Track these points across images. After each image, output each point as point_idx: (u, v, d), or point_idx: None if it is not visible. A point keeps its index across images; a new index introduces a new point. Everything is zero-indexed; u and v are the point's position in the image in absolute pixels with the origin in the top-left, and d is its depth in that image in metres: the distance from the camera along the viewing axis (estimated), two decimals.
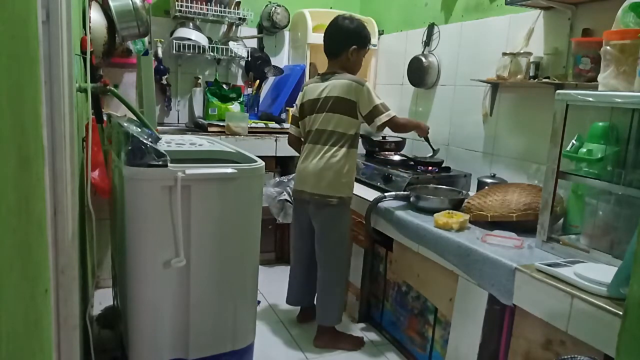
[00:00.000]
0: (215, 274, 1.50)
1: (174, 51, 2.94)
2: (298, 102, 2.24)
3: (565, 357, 1.20)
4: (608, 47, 1.53)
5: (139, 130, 1.46)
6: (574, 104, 1.53)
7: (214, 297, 1.51)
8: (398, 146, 2.85)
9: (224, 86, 3.17)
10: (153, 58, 2.87)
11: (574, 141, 1.67)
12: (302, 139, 2.22)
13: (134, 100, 2.22)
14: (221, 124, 2.90)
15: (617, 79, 1.51)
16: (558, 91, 1.57)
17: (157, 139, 1.54)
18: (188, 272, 1.46)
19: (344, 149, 2.07)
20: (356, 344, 2.17)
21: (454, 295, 1.74)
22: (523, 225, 1.77)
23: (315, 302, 2.22)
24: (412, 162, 2.57)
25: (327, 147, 2.08)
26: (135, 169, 1.33)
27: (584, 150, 1.61)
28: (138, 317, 1.43)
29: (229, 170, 1.49)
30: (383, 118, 2.06)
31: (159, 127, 2.81)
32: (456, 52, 2.66)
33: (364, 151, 2.83)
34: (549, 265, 1.42)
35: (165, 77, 3.04)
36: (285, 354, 2.09)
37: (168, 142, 1.77)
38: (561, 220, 1.74)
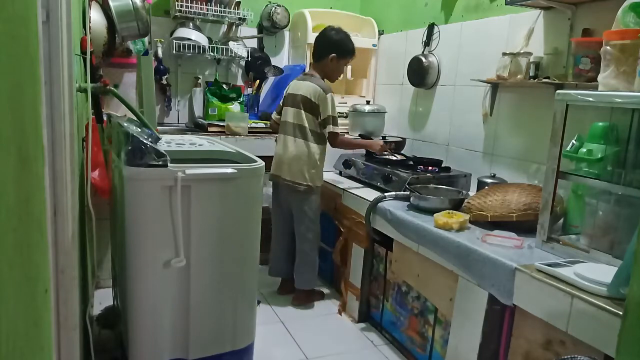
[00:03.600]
0: (215, 273, 1.50)
1: (174, 51, 2.94)
2: (285, 93, 2.56)
3: (565, 357, 1.20)
4: (608, 47, 1.53)
5: (139, 130, 1.46)
6: (574, 104, 1.53)
7: (214, 297, 1.51)
8: (398, 146, 2.85)
9: (224, 86, 3.17)
10: (153, 58, 2.87)
11: (574, 141, 1.67)
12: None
13: (134, 100, 2.22)
14: (221, 124, 2.90)
15: (617, 79, 1.51)
16: (558, 91, 1.57)
17: (157, 139, 1.54)
18: (188, 272, 1.46)
19: (312, 144, 2.41)
20: (321, 295, 2.61)
21: (454, 295, 1.74)
22: (523, 225, 1.77)
23: (294, 272, 2.55)
24: (411, 162, 2.57)
25: (297, 139, 2.42)
26: (135, 169, 1.33)
27: (584, 150, 1.61)
28: (138, 317, 1.42)
29: (229, 170, 1.49)
30: (330, 128, 2.41)
31: (159, 127, 2.81)
32: (456, 52, 2.66)
33: (363, 151, 2.83)
34: (549, 265, 1.41)
35: (165, 77, 3.04)
36: (286, 354, 2.09)
37: (168, 142, 1.77)
38: (561, 220, 1.74)
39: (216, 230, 1.48)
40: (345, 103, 3.27)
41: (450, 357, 1.75)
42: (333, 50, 2.45)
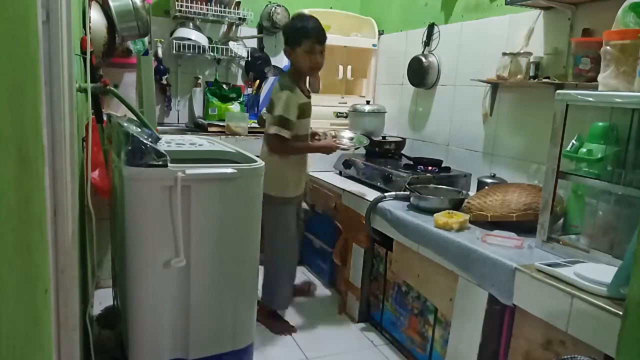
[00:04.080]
0: (215, 274, 1.50)
1: (174, 51, 2.94)
2: None
3: (565, 357, 1.20)
4: (608, 47, 1.53)
5: (139, 130, 1.46)
6: (574, 104, 1.53)
7: (214, 297, 1.51)
8: (398, 146, 2.85)
9: (224, 86, 3.17)
10: (153, 58, 2.87)
11: (574, 141, 1.67)
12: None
13: (133, 101, 2.22)
14: (221, 124, 2.90)
15: (617, 79, 1.51)
16: (558, 91, 1.57)
17: (157, 139, 1.54)
18: (188, 272, 1.46)
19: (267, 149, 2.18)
20: (288, 329, 2.28)
21: (454, 295, 1.74)
22: (523, 226, 1.77)
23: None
24: (412, 162, 2.57)
25: (263, 144, 2.26)
26: (135, 169, 1.33)
27: (584, 150, 1.61)
28: (138, 317, 1.43)
29: (229, 170, 1.49)
30: (272, 129, 2.09)
31: (159, 127, 2.81)
32: (456, 52, 2.66)
33: (364, 151, 2.83)
34: (549, 265, 1.41)
35: (165, 77, 3.04)
36: (286, 354, 2.09)
37: (168, 142, 1.77)
38: (561, 220, 1.74)
39: (216, 230, 1.48)
40: (345, 103, 3.27)
41: (450, 357, 1.75)
42: (286, 42, 2.17)
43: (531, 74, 2.16)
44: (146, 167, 1.33)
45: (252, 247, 1.58)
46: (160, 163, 1.33)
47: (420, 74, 2.83)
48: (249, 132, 2.88)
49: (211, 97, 3.12)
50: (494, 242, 1.70)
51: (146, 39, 2.71)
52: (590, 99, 1.46)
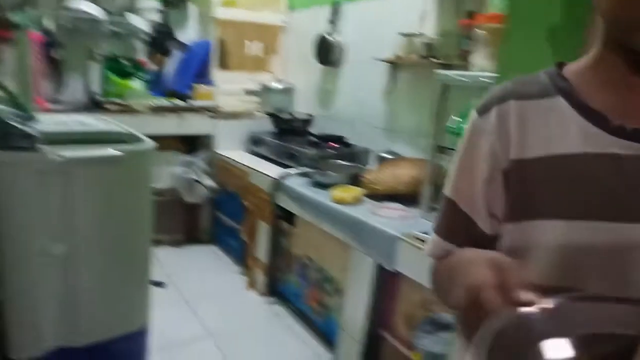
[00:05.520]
0: (103, 259, 1.46)
1: (67, 24, 2.72)
2: None
3: (434, 314, 1.33)
4: (479, 30, 1.65)
5: (8, 110, 1.36)
6: (451, 84, 1.64)
7: (103, 283, 1.47)
8: (305, 123, 2.90)
9: (124, 61, 3.01)
10: (38, 30, 2.64)
11: (456, 118, 1.80)
12: None
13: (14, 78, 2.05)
14: (121, 102, 2.76)
15: (487, 60, 1.64)
16: (437, 71, 1.68)
17: (29, 119, 1.44)
18: (72, 258, 1.40)
19: None
20: None
21: (348, 265, 1.84)
22: (413, 198, 1.89)
23: None
24: (316, 139, 2.63)
25: None
26: (2, 152, 1.24)
27: (462, 126, 1.74)
28: (16, 307, 1.36)
29: (114, 151, 1.43)
30: None
31: (50, 106, 2.63)
32: (360, 31, 2.72)
33: (271, 128, 2.84)
34: (426, 232, 1.54)
35: (57, 51, 2.82)
36: (189, 333, 2.09)
37: (51, 123, 1.66)
38: None
39: (102, 215, 1.43)
40: (256, 80, 3.24)
41: (344, 322, 1.86)
42: None
43: (425, 54, 2.27)
44: (14, 150, 1.24)
45: (142, 230, 1.55)
46: (29, 145, 1.25)
47: (326, 52, 2.87)
48: (152, 110, 2.77)
49: (109, 73, 2.95)
50: (383, 214, 1.80)
51: (31, 10, 2.48)
52: (463, 79, 1.58)
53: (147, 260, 1.59)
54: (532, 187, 0.59)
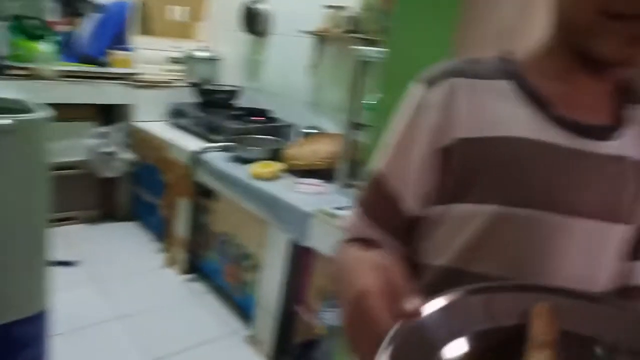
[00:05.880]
0: None
1: None
2: None
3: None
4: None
5: None
6: (368, 60, 1.64)
7: None
8: (230, 95, 2.81)
9: (32, 22, 2.74)
10: None
11: (372, 94, 1.81)
12: None
13: None
14: (28, 66, 2.53)
15: None
16: (352, 47, 1.67)
17: None
18: None
19: None
20: None
21: (265, 241, 1.83)
22: (330, 173, 1.90)
23: None
24: (240, 112, 2.56)
25: None
26: None
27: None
28: None
29: (2, 121, 1.31)
30: None
31: None
32: (287, 1, 2.65)
33: (192, 99, 2.73)
34: (338, 208, 1.55)
35: None
36: (103, 313, 2.01)
37: None
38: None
39: None
40: (181, 48, 3.08)
41: (261, 298, 1.86)
42: None
43: (349, 28, 2.24)
44: None
45: (38, 207, 1.44)
46: None
47: (252, 21, 2.77)
48: (64, 76, 2.56)
49: (16, 34, 2.68)
50: (301, 189, 1.80)
51: None
52: (373, 55, 1.58)
53: (43, 240, 1.49)
54: (471, 168, 0.58)
